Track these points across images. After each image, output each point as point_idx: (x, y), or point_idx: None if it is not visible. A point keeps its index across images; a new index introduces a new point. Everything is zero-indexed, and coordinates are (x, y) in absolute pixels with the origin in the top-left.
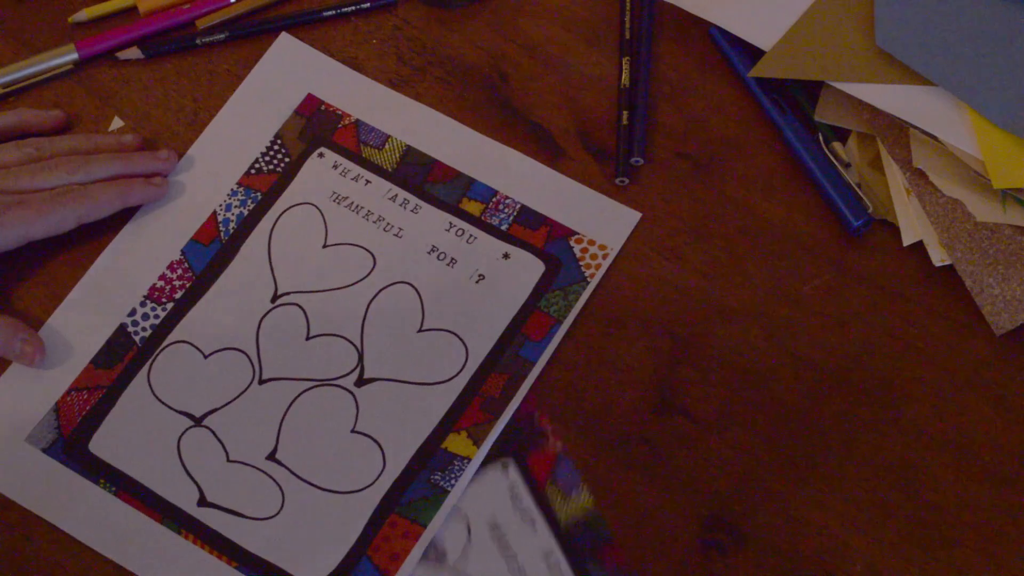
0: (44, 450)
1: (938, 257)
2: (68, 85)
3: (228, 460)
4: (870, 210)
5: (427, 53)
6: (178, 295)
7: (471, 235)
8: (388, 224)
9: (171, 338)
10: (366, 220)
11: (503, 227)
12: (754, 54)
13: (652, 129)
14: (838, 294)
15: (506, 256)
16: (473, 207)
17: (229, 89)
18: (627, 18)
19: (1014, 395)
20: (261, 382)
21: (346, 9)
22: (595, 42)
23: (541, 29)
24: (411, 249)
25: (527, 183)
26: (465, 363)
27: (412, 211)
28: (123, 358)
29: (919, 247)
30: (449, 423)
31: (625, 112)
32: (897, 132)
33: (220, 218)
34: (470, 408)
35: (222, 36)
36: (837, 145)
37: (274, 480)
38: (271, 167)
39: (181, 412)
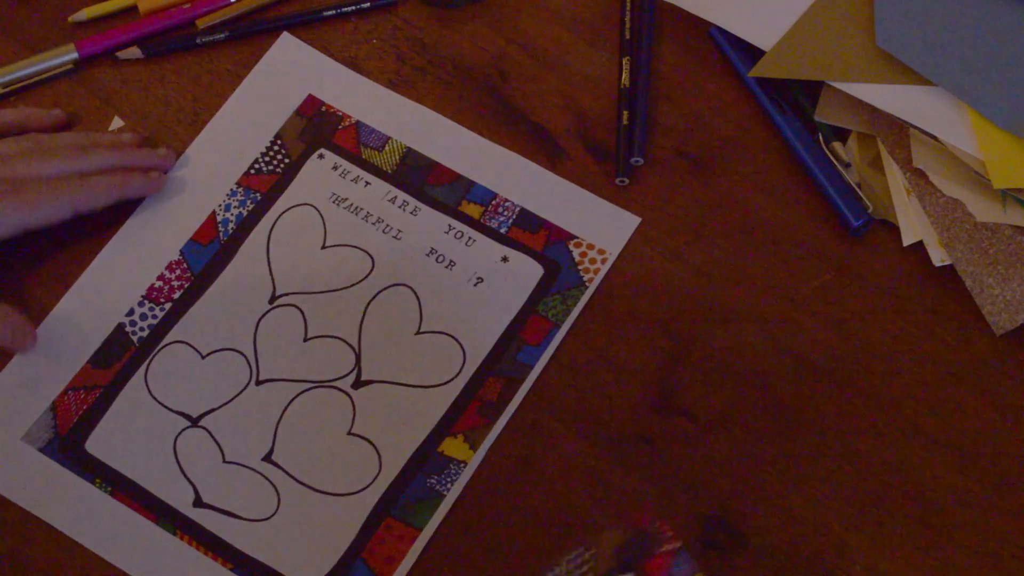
0: (40, 449)
1: (938, 257)
2: (68, 85)
3: (224, 461)
4: (870, 210)
5: (427, 53)
6: (176, 295)
7: (470, 238)
8: (387, 226)
9: (169, 338)
10: (365, 222)
11: (502, 230)
12: (754, 54)
13: (652, 129)
14: (838, 294)
15: (505, 259)
16: (472, 210)
17: (229, 89)
18: (627, 18)
19: (1014, 395)
20: (258, 383)
21: (346, 9)
22: (595, 42)
23: (541, 29)
24: (410, 251)
25: (527, 186)
26: (462, 366)
27: (411, 213)
28: (121, 358)
29: (919, 247)
30: (446, 426)
31: (625, 112)
32: (897, 132)
33: (219, 218)
34: (467, 412)
35: (222, 36)
36: (837, 145)
37: (270, 481)
38: (271, 168)
39: (178, 412)
